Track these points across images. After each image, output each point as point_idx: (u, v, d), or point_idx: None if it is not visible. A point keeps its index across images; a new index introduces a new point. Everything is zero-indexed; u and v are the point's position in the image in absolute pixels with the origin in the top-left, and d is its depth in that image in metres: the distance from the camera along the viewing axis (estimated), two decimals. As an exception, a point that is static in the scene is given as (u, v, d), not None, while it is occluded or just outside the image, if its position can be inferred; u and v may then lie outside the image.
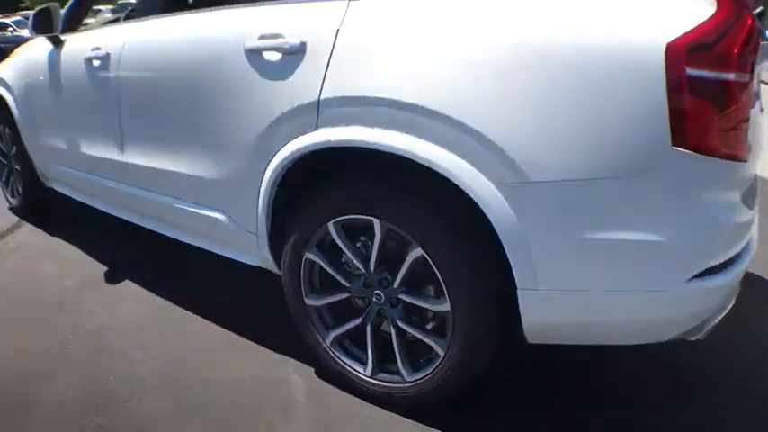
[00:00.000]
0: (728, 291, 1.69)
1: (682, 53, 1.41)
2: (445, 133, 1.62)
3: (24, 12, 31.71)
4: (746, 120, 1.55)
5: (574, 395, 2.13)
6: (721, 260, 1.60)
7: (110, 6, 13.36)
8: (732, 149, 1.50)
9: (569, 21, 1.53)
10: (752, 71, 1.51)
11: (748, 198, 1.73)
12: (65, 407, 2.08)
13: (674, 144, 1.43)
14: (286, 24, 2.03)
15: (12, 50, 4.21)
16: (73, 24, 3.37)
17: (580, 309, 1.65)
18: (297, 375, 2.24)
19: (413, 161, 1.69)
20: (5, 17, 26.71)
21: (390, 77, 1.73)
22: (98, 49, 2.86)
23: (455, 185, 1.64)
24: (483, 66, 1.59)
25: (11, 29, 22.50)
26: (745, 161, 1.57)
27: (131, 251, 3.49)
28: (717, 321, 1.74)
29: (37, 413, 2.06)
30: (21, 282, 3.19)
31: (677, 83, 1.41)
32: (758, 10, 2.03)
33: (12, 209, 4.26)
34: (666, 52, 1.41)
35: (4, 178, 4.29)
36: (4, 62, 4.15)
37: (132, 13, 3.20)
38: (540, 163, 1.53)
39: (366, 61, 1.79)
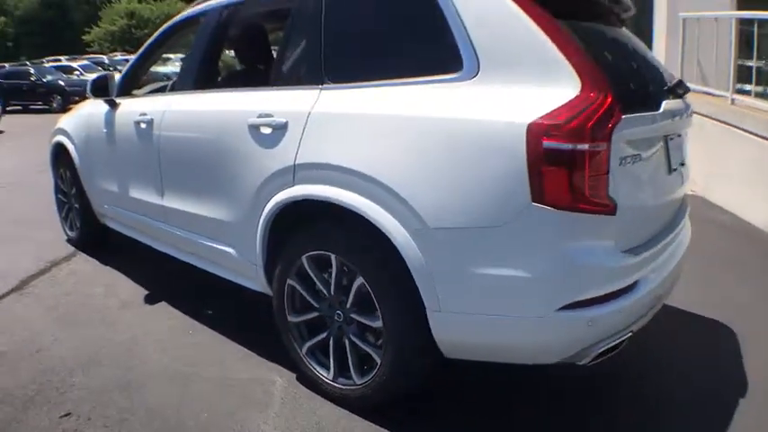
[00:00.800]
0: (610, 321, 2.18)
1: (540, 129, 1.96)
2: (374, 191, 2.27)
3: (92, 56, 34.21)
4: (603, 179, 2.03)
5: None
6: (590, 296, 2.08)
7: (179, 55, 14.81)
8: (588, 204, 2.00)
9: (460, 107, 2.16)
10: (608, 141, 2.01)
11: (634, 242, 2.23)
12: (92, 389, 2.76)
13: (533, 200, 2.00)
14: (276, 106, 2.75)
15: (78, 94, 5.10)
16: (126, 91, 4.19)
17: (476, 329, 2.22)
18: (280, 378, 2.86)
19: (353, 211, 2.34)
20: (72, 60, 28.87)
21: (339, 149, 2.41)
22: (144, 114, 3.66)
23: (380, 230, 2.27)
24: (396, 141, 2.26)
25: (77, 72, 24.17)
26: (610, 214, 2.06)
27: (168, 278, 4.20)
28: (607, 348, 2.19)
29: (65, 394, 2.74)
30: (71, 300, 3.94)
31: (535, 152, 1.96)
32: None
33: (69, 241, 5.09)
34: (528, 129, 1.98)
35: (63, 214, 5.15)
36: (67, 114, 5.07)
37: (173, 86, 4.00)
38: (436, 214, 2.15)
39: (325, 136, 2.48)
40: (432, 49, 2.32)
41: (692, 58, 7.24)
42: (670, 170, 2.60)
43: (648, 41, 8.42)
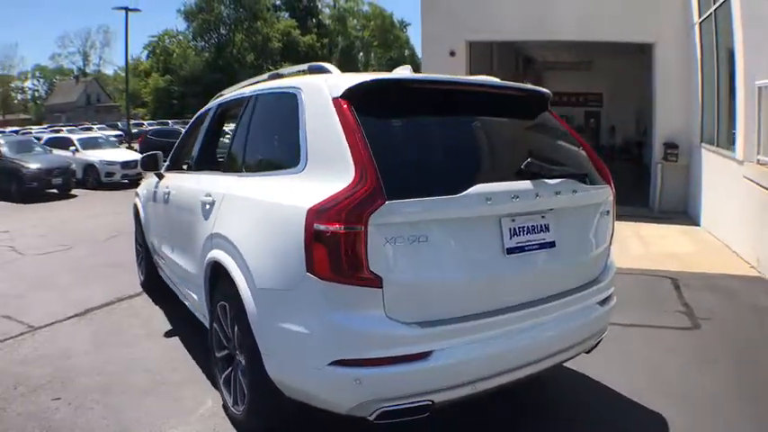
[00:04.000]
0: (387, 383, 2.70)
1: (312, 212, 2.70)
2: (235, 256, 3.39)
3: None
4: (362, 256, 2.62)
5: None
6: (355, 356, 2.67)
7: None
8: (347, 277, 2.65)
9: (281, 194, 3.09)
10: (364, 223, 2.60)
11: (428, 316, 2.76)
12: (86, 386, 4.12)
13: (307, 271, 2.76)
14: (213, 187, 4.03)
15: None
16: (174, 165, 5.73)
17: (287, 375, 3.06)
18: (211, 401, 4.01)
19: (228, 270, 3.45)
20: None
21: (225, 222, 3.64)
22: (167, 187, 5.14)
23: None
24: (248, 217, 3.38)
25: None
26: (375, 287, 2.65)
27: (192, 317, 5.58)
28: (399, 409, 2.74)
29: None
30: (113, 328, 5.50)
31: (309, 231, 2.70)
32: None
33: (141, 284, 6.75)
34: (306, 213, 2.73)
35: (138, 261, 6.88)
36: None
37: (189, 166, 5.46)
38: (260, 277, 3.14)
39: (226, 212, 3.71)
40: (289, 152, 3.27)
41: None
42: (505, 251, 3.00)
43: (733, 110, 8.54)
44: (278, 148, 3.65)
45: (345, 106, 2.94)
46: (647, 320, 5.43)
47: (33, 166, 15.96)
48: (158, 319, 5.74)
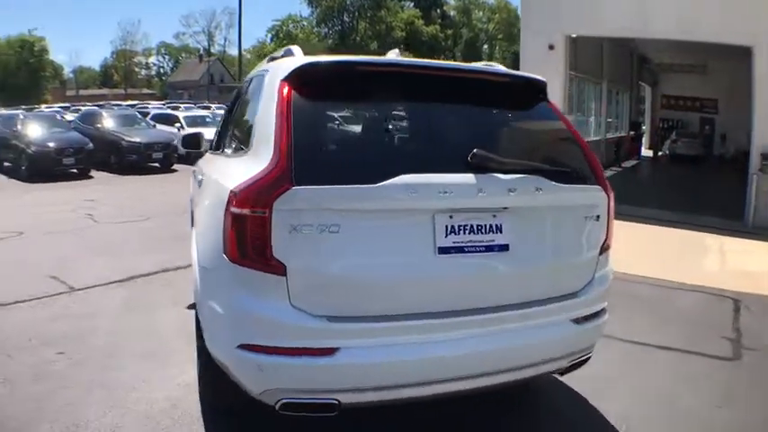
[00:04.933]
0: (290, 374, 2.66)
1: (231, 196, 2.70)
2: (195, 234, 3.52)
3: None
4: (267, 241, 2.57)
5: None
6: (259, 343, 2.64)
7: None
8: (251, 261, 2.62)
9: (226, 173, 3.14)
10: (269, 208, 2.56)
11: (337, 311, 2.67)
12: (96, 347, 4.47)
13: (223, 252, 2.75)
14: (206, 168, 4.25)
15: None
16: (218, 146, 5.99)
17: (214, 351, 3.06)
18: (194, 372, 4.22)
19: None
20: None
21: (198, 203, 3.79)
22: (196, 166, 5.41)
23: None
24: (206, 193, 3.51)
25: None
26: (279, 275, 2.59)
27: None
28: (303, 403, 2.72)
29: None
30: (143, 297, 5.93)
31: (227, 213, 2.71)
32: None
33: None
34: (229, 194, 2.72)
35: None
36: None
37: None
38: (201, 253, 3.25)
39: (200, 194, 3.88)
40: (248, 134, 3.27)
41: None
42: (437, 250, 2.80)
43: None
44: (245, 129, 3.69)
45: (286, 89, 2.90)
46: (684, 344, 5.05)
47: (134, 139, 17.19)
48: (190, 292, 6.06)
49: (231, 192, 2.74)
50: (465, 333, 2.86)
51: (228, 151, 3.94)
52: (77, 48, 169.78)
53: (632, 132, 23.60)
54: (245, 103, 3.99)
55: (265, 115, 2.95)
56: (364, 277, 2.74)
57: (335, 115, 3.09)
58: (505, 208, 2.95)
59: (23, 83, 69.19)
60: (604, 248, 3.37)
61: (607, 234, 3.36)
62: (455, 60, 67.76)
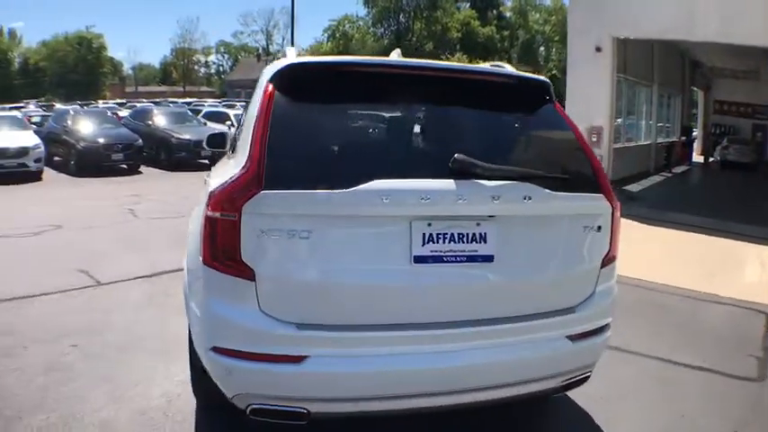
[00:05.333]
0: (259, 381, 2.64)
1: (210, 198, 2.69)
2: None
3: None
4: (236, 245, 2.56)
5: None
6: (228, 347, 2.64)
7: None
8: (221, 265, 2.61)
9: (213, 177, 3.14)
10: (238, 212, 2.55)
11: (307, 318, 2.62)
12: (124, 336, 4.58)
13: (200, 254, 2.74)
14: (215, 169, 4.25)
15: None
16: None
17: (197, 351, 3.00)
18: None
19: None
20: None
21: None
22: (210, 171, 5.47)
23: None
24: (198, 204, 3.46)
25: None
26: (248, 279, 2.58)
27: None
28: (272, 409, 2.70)
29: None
30: (166, 292, 5.96)
31: (205, 215, 2.69)
32: None
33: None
34: (209, 197, 2.70)
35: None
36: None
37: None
38: (188, 255, 3.22)
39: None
40: (236, 138, 3.42)
41: None
42: (413, 259, 2.71)
43: None
44: (238, 131, 3.69)
45: (270, 90, 2.87)
46: (708, 361, 4.81)
47: (183, 136, 17.60)
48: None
49: (209, 194, 2.75)
50: (444, 347, 2.77)
51: (230, 153, 3.94)
52: (136, 45, 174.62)
53: (683, 137, 22.99)
54: (246, 105, 4.00)
55: (250, 117, 2.94)
56: (336, 285, 2.68)
57: (319, 117, 2.98)
58: (491, 216, 2.81)
59: (82, 79, 71.76)
60: (607, 261, 3.18)
61: (611, 246, 3.17)
62: (510, 62, 67.38)
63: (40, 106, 37.16)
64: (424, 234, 2.71)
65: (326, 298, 2.68)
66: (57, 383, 3.95)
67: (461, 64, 3.58)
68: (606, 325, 3.22)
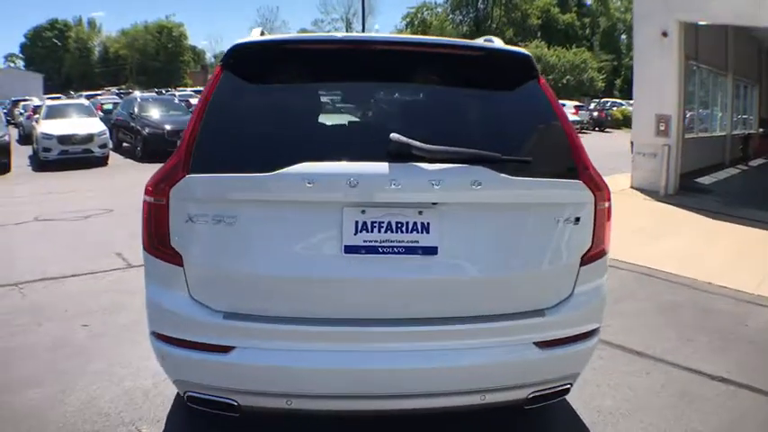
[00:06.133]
0: (189, 368, 2.60)
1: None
2: None
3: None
4: (165, 230, 2.52)
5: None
6: (161, 331, 2.62)
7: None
8: (153, 249, 2.58)
9: None
10: (165, 197, 2.51)
11: (236, 308, 2.53)
12: (137, 317, 4.70)
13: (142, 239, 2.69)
14: None
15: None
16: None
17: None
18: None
19: None
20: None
21: None
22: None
23: None
24: None
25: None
26: (176, 265, 2.53)
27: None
28: (205, 399, 2.64)
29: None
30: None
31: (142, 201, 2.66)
32: None
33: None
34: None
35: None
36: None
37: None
38: None
39: None
40: None
41: None
42: (343, 248, 2.53)
43: None
44: None
45: (216, 72, 2.78)
46: (741, 375, 4.23)
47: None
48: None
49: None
50: (378, 347, 2.59)
51: None
52: (217, 34, 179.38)
53: (761, 130, 21.71)
54: None
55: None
56: (262, 274, 2.55)
57: (259, 99, 2.80)
58: (434, 204, 2.55)
59: (163, 67, 74.37)
60: (590, 258, 2.80)
61: (594, 240, 2.79)
62: (591, 50, 66.18)
63: (119, 93, 38.74)
64: (356, 222, 2.52)
65: (253, 287, 2.58)
66: (56, 360, 4.11)
67: (425, 37, 3.23)
68: (591, 331, 2.87)
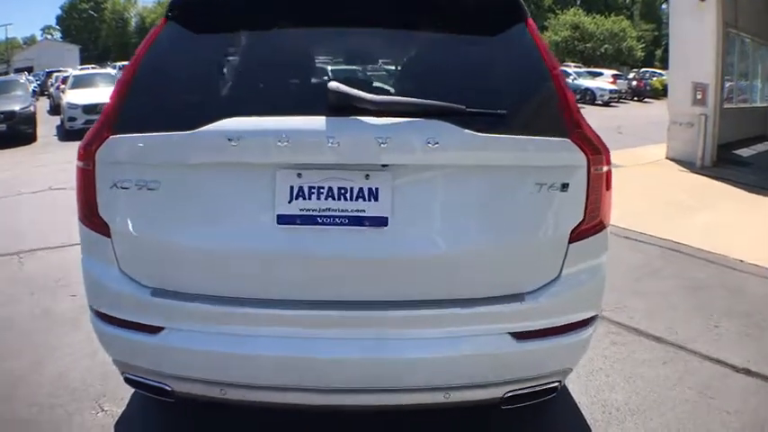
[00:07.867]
0: (123, 348, 2.39)
1: None
2: None
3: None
4: (91, 196, 2.27)
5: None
6: (96, 307, 2.39)
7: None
8: (83, 218, 2.34)
9: None
10: (91, 160, 2.23)
11: (165, 284, 2.26)
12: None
13: None
14: None
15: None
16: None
17: None
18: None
19: None
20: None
21: None
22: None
23: None
24: None
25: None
26: (104, 235, 2.29)
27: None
28: (150, 385, 2.39)
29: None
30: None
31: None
32: None
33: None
34: None
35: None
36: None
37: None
38: None
39: None
40: None
41: None
42: (276, 218, 2.18)
43: None
44: None
45: (158, 24, 2.50)
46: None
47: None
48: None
49: None
50: (322, 332, 2.24)
51: None
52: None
53: (807, 102, 20.76)
54: None
55: None
56: (186, 246, 2.23)
57: (196, 51, 2.47)
58: (384, 166, 2.16)
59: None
60: (582, 233, 2.34)
61: (587, 212, 2.32)
62: (632, 19, 64.35)
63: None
64: (291, 187, 2.16)
65: (179, 262, 2.27)
66: (36, 331, 4.02)
67: None
68: (584, 321, 2.43)
